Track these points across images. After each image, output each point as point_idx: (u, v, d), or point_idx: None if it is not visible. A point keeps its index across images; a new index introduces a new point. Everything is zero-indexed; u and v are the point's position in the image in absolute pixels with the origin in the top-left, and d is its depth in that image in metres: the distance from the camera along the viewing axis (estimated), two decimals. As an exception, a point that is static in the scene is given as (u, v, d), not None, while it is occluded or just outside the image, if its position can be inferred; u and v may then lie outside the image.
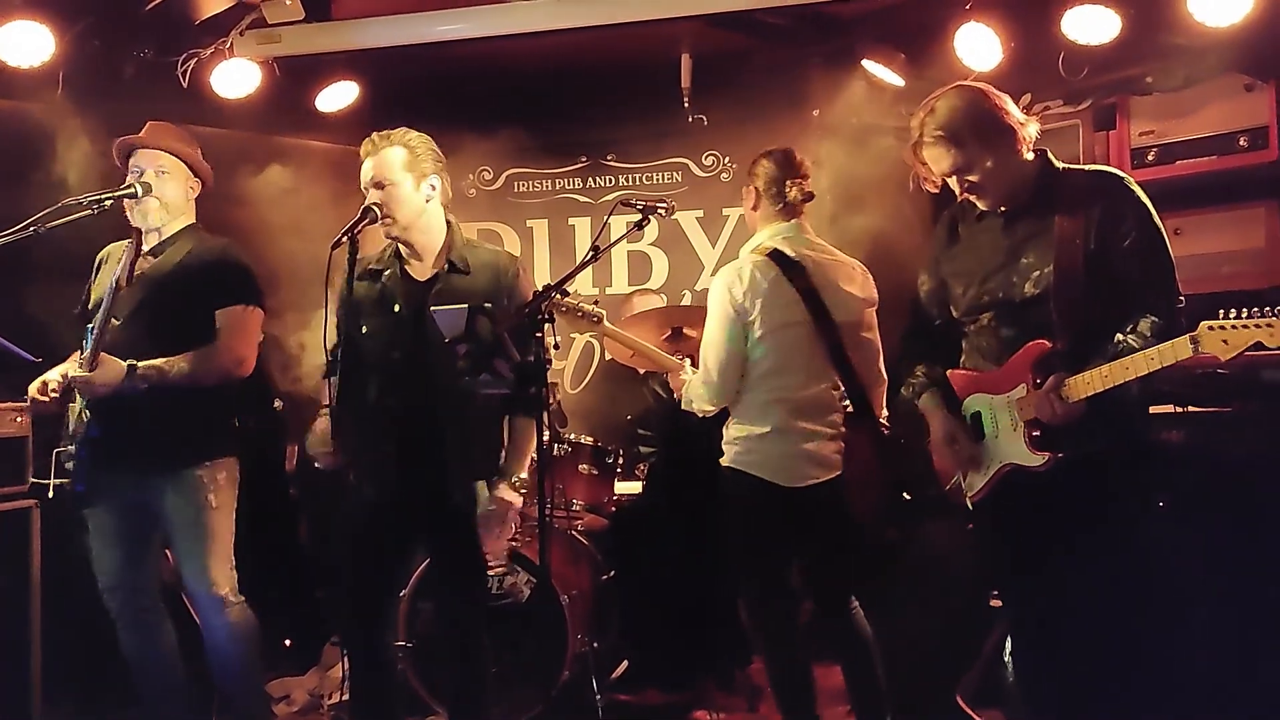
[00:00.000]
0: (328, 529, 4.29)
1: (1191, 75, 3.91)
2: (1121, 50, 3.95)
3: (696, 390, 3.28)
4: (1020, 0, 4.02)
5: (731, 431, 3.26)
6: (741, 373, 3.21)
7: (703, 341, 3.27)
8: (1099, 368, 2.40)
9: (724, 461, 3.27)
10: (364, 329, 3.10)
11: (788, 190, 3.28)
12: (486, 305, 2.89)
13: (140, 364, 3.16)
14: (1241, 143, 4.13)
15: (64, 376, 3.21)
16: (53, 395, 3.22)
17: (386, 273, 3.16)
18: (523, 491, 3.12)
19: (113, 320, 3.17)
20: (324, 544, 4.37)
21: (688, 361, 3.47)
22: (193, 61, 4.27)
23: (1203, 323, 2.26)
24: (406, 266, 3.16)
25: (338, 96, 4.58)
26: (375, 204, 3.06)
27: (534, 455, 3.06)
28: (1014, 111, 2.64)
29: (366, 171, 3.12)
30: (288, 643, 4.25)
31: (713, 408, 3.27)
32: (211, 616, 3.29)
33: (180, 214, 3.44)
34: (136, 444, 3.22)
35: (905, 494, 3.21)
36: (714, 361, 3.21)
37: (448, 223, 3.22)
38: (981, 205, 2.70)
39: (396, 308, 3.10)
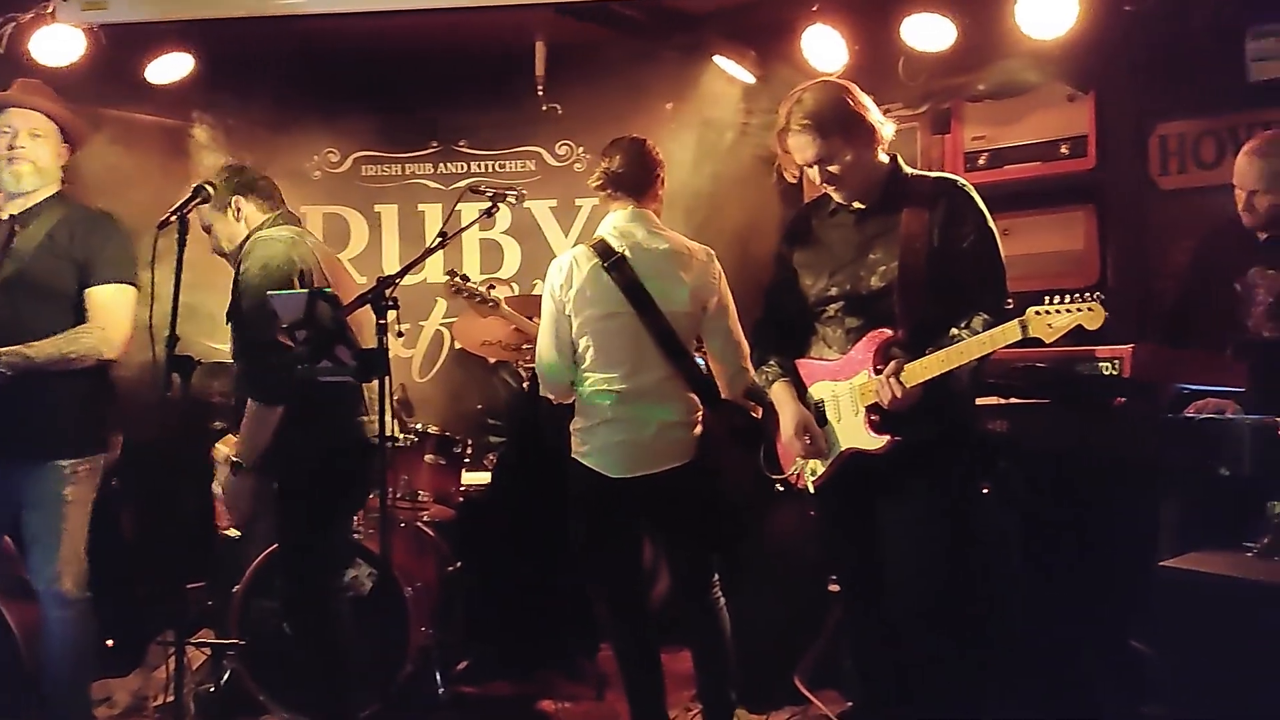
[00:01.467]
0: (153, 521, 4.11)
1: (1020, 84, 4.11)
2: (957, 58, 4.12)
3: (539, 380, 3.33)
4: (864, 5, 4.15)
5: (573, 423, 3.27)
6: (570, 362, 3.22)
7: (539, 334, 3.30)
8: (936, 353, 2.53)
9: (569, 452, 3.29)
10: None
11: (609, 171, 3.26)
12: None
13: (2, 351, 2.99)
14: (1064, 150, 4.39)
15: None
16: None
17: None
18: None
19: None
20: (149, 538, 4.17)
21: None
22: (10, 26, 3.99)
23: (1030, 308, 2.40)
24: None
25: (169, 68, 4.36)
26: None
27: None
28: (874, 111, 2.74)
29: None
30: (110, 643, 4.03)
31: (551, 396, 3.30)
32: (49, 613, 3.16)
33: (52, 180, 3.24)
34: (3, 430, 3.07)
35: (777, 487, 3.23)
36: (543, 351, 3.24)
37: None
38: (837, 197, 2.79)
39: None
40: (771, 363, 2.91)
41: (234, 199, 3.21)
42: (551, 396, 3.31)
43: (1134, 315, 4.02)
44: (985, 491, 3.31)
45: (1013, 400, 3.19)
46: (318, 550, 3.18)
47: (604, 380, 3.18)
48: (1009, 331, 2.42)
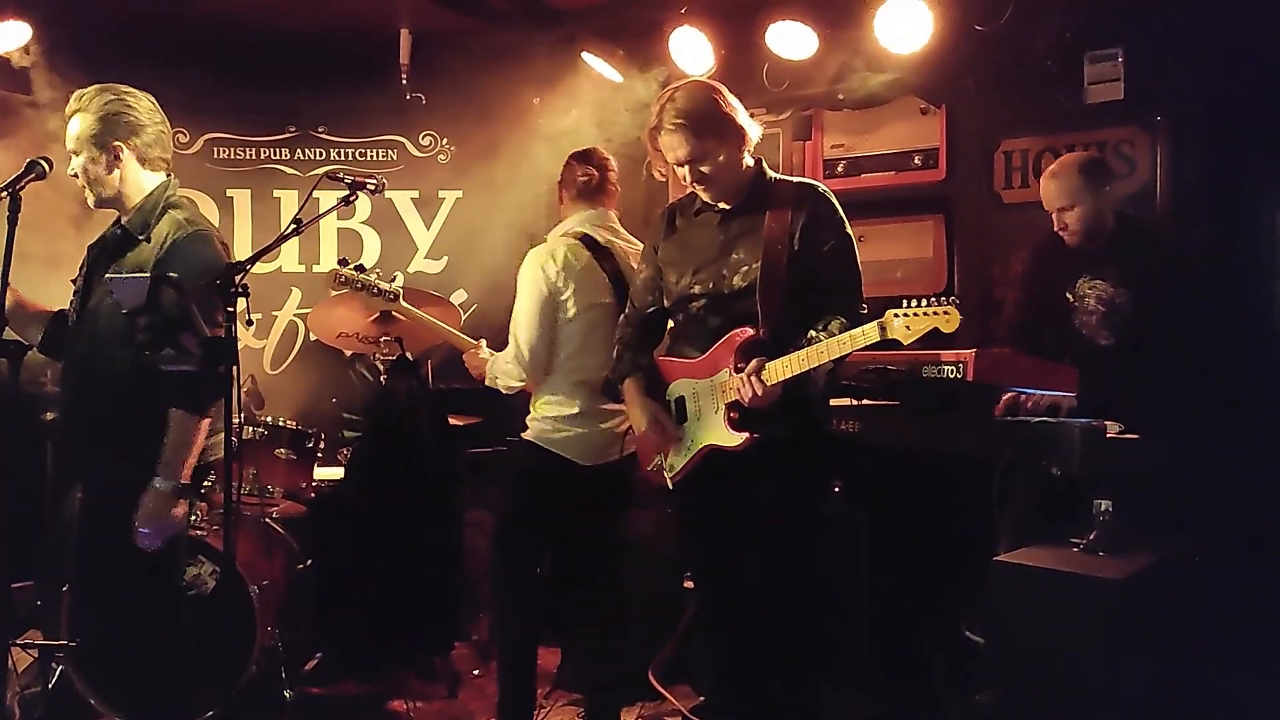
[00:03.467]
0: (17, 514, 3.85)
1: (877, 96, 4.24)
2: (819, 67, 4.23)
3: (504, 368, 3.33)
4: (731, 10, 4.22)
5: (539, 410, 3.31)
6: (550, 351, 3.27)
7: (513, 319, 3.30)
8: (796, 352, 2.58)
9: (527, 436, 3.32)
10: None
11: (586, 179, 3.41)
12: (171, 275, 2.68)
13: None
14: (916, 161, 4.56)
15: None
16: None
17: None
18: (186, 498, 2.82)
19: None
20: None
21: (483, 341, 3.52)
22: None
23: (889, 310, 2.47)
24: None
25: (5, 36, 4.09)
26: (73, 172, 2.86)
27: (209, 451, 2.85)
28: (743, 114, 2.79)
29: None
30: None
31: (520, 384, 3.33)
32: None
33: None
34: None
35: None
36: (524, 339, 3.26)
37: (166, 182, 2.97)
38: (705, 197, 2.82)
39: (74, 279, 2.85)
40: (626, 358, 2.95)
41: (115, 143, 2.86)
42: (517, 386, 3.34)
43: (977, 321, 4.21)
44: (836, 489, 3.42)
45: (864, 402, 3.30)
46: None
47: (582, 370, 3.26)
48: (868, 333, 2.49)
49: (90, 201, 2.92)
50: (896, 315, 2.45)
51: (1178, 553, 3.01)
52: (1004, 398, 3.16)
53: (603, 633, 3.47)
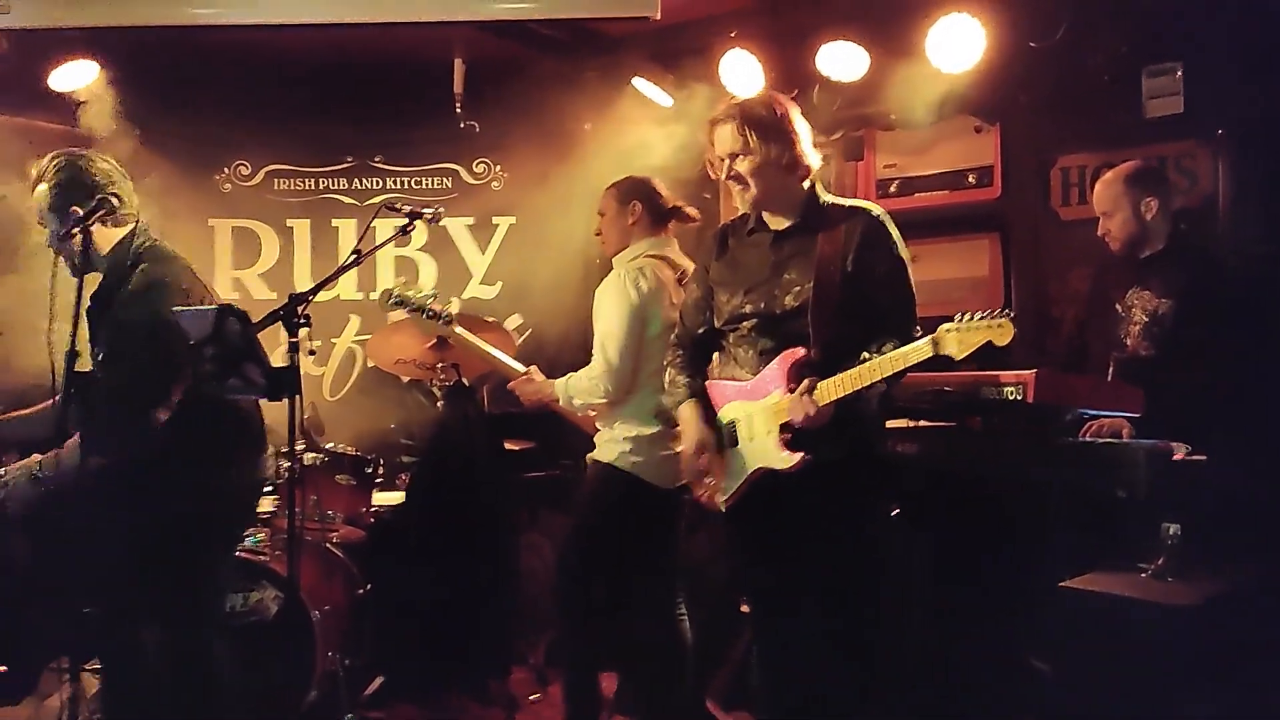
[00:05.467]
0: (50, 543, 3.95)
1: (929, 115, 4.22)
2: (870, 87, 4.22)
3: (587, 384, 3.35)
4: (781, 32, 4.23)
5: (617, 430, 3.34)
6: (637, 367, 3.30)
7: (601, 336, 3.34)
8: (848, 371, 2.56)
9: (604, 458, 3.34)
10: None
11: (666, 209, 3.48)
12: (235, 307, 2.74)
13: None
14: (970, 179, 4.53)
15: None
16: None
17: None
18: None
19: None
20: (44, 560, 4.00)
21: (534, 368, 3.54)
22: (-97, 31, 3.84)
23: (941, 325, 2.45)
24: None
25: (75, 76, 4.23)
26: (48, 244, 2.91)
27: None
28: (805, 139, 2.78)
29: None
30: (1, 669, 3.86)
31: (605, 400, 3.34)
32: None
33: None
34: None
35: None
36: (615, 351, 3.29)
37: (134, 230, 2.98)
38: (738, 201, 2.82)
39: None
40: (681, 382, 2.94)
41: (73, 208, 2.88)
42: (601, 401, 3.35)
43: (1035, 341, 4.15)
44: (895, 513, 3.38)
45: (921, 423, 3.26)
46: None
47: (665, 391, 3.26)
48: (921, 350, 2.47)
49: (70, 272, 2.90)
50: (949, 329, 2.43)
51: (1249, 578, 2.92)
52: (1068, 419, 3.11)
53: (661, 658, 3.45)
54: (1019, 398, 2.94)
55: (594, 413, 3.44)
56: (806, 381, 2.61)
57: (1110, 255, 3.54)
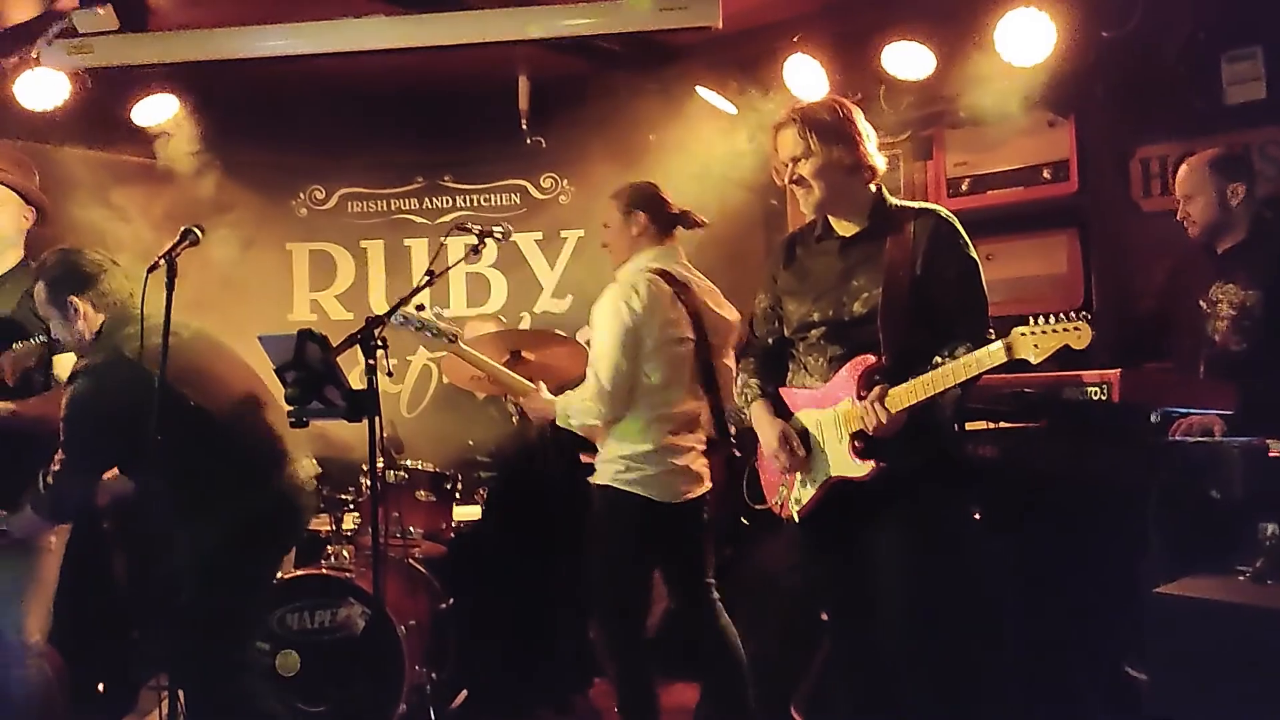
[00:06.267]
0: (146, 566, 4.07)
1: (1000, 110, 4.14)
2: (937, 85, 4.16)
3: (580, 405, 3.29)
4: (845, 35, 4.19)
5: (611, 450, 3.28)
6: (632, 386, 3.24)
7: (593, 356, 3.28)
8: (920, 377, 2.52)
9: (600, 480, 3.30)
10: None
11: (672, 216, 3.39)
12: (316, 332, 2.80)
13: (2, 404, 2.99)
14: (1045, 175, 4.42)
15: None
16: None
17: None
18: None
19: None
20: (141, 581, 4.14)
21: (541, 385, 3.47)
22: (-5, 71, 4.00)
23: (1015, 329, 2.40)
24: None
25: (155, 111, 4.37)
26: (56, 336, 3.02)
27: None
28: (870, 141, 2.76)
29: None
30: (101, 687, 3.99)
31: (599, 422, 3.28)
32: (13, 666, 3.09)
33: (9, 248, 3.19)
34: None
35: (744, 519, 3.27)
36: (607, 374, 3.22)
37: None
38: (802, 205, 2.80)
39: None
40: (753, 384, 2.92)
41: (70, 297, 2.98)
42: (596, 423, 3.29)
43: (1119, 338, 4.04)
44: (976, 517, 3.32)
45: (1002, 425, 3.20)
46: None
47: (660, 406, 3.25)
48: (994, 354, 2.42)
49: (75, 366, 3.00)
50: (1024, 334, 2.38)
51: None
52: (1156, 418, 3.03)
53: (713, 669, 3.41)
54: (1104, 397, 2.87)
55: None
56: (878, 389, 2.58)
57: (1188, 249, 3.44)
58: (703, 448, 3.34)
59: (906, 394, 2.55)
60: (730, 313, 3.44)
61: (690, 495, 3.27)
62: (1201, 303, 3.35)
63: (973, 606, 3.08)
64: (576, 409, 3.31)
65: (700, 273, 3.49)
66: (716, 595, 3.39)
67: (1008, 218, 4.44)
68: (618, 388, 3.21)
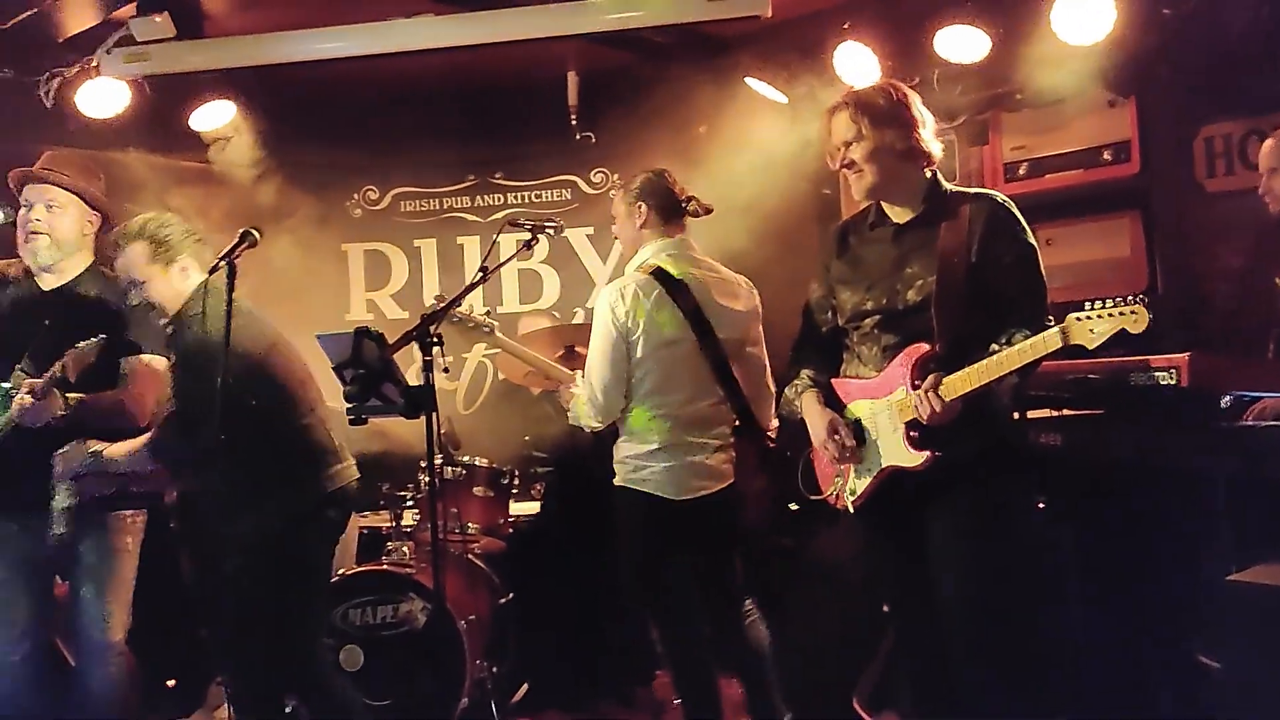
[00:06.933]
0: (211, 563, 4.15)
1: (1058, 92, 4.06)
2: (992, 68, 4.09)
3: (582, 407, 3.31)
4: (896, 20, 4.14)
5: (621, 450, 3.28)
6: (625, 390, 3.22)
7: (587, 360, 3.27)
8: (974, 365, 2.49)
9: (616, 481, 3.29)
10: None
11: (678, 206, 3.33)
12: (373, 329, 2.83)
13: (70, 396, 3.03)
14: (1106, 156, 4.32)
15: None
16: None
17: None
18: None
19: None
20: (208, 579, 4.22)
21: (579, 374, 3.45)
22: (56, 81, 4.09)
23: (1070, 314, 2.35)
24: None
25: (212, 116, 4.44)
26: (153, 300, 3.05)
27: None
28: (921, 119, 2.72)
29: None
30: (171, 683, 4.08)
31: (599, 424, 3.29)
32: (95, 664, 3.17)
33: (76, 251, 3.27)
34: (50, 485, 3.10)
35: (791, 505, 3.25)
36: (598, 380, 3.22)
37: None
38: (854, 190, 2.77)
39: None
40: (804, 375, 2.90)
41: (183, 256, 3.07)
42: (598, 424, 3.29)
43: (1186, 321, 3.95)
44: (1041, 506, 3.26)
45: (1065, 412, 3.14)
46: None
47: (661, 406, 3.21)
48: (1049, 340, 2.38)
49: (164, 324, 3.07)
50: (1079, 318, 2.34)
51: None
52: (1225, 403, 2.95)
53: (742, 674, 3.38)
54: (1172, 382, 2.81)
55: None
56: (931, 377, 2.55)
57: (1266, 228, 3.34)
58: (721, 443, 3.27)
59: (961, 382, 2.51)
60: (745, 304, 3.35)
61: (705, 491, 3.22)
62: (1277, 280, 3.26)
63: (1037, 596, 3.03)
64: (579, 411, 3.33)
65: (739, 266, 3.44)
66: (748, 600, 3.37)
67: (1067, 201, 4.35)
68: (606, 393, 3.21)
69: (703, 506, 3.21)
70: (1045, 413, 3.16)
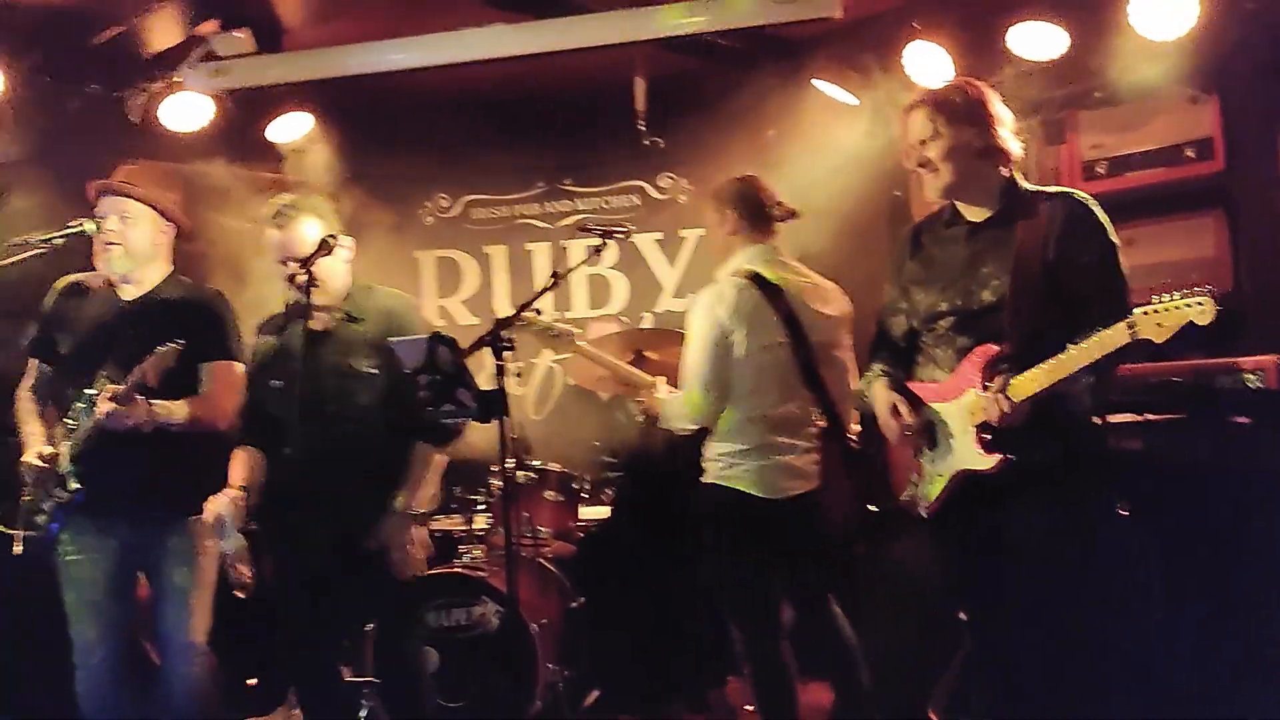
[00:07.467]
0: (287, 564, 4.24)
1: (1138, 89, 3.97)
2: (1069, 65, 4.01)
3: (677, 409, 3.33)
4: (968, 17, 4.08)
5: (713, 449, 3.31)
6: (723, 392, 3.24)
7: (685, 362, 3.30)
8: (1042, 364, 2.45)
9: (707, 479, 3.32)
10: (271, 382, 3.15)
11: (766, 212, 3.36)
12: (446, 335, 2.87)
13: (156, 404, 3.11)
14: (1189, 154, 4.21)
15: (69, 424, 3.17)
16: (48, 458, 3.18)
17: (288, 327, 3.16)
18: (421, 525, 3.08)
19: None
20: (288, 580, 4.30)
21: (661, 380, 3.49)
22: (143, 96, 4.21)
23: (1136, 308, 2.30)
24: (310, 322, 3.10)
25: (290, 127, 4.54)
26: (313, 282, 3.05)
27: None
28: (1000, 118, 2.69)
29: (284, 244, 3.09)
30: (251, 682, 4.17)
31: (694, 426, 3.32)
32: (179, 665, 3.23)
33: (150, 261, 3.35)
34: (135, 490, 3.17)
35: (871, 507, 3.22)
36: (699, 381, 3.25)
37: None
38: (928, 190, 2.74)
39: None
40: (877, 369, 2.88)
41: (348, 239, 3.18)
42: (693, 425, 3.33)
43: (1276, 322, 3.82)
44: (1124, 513, 3.18)
45: (1147, 416, 3.06)
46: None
47: (756, 408, 3.25)
48: (1118, 333, 2.33)
49: (322, 300, 3.10)
50: (1146, 312, 2.29)
51: None
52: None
53: (833, 676, 3.39)
54: (1261, 385, 2.73)
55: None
56: (999, 378, 2.52)
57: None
58: (809, 445, 3.28)
59: (1029, 383, 2.47)
60: (836, 309, 3.38)
61: (794, 492, 3.24)
62: None
63: (1120, 603, 2.96)
64: (673, 413, 3.36)
65: (811, 268, 3.44)
66: (835, 603, 3.36)
67: (1148, 200, 4.24)
68: (707, 395, 3.24)
69: (791, 507, 3.23)
70: (1127, 417, 3.09)
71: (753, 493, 3.23)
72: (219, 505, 3.05)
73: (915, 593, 3.67)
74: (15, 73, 3.91)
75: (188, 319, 3.26)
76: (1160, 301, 2.28)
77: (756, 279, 3.27)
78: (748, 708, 4.23)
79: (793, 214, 3.41)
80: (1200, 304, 2.24)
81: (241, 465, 3.16)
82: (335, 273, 3.15)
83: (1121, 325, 2.32)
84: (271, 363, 3.18)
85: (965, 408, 2.62)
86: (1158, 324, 2.28)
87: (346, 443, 3.07)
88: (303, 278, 3.01)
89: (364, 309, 3.19)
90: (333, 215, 3.20)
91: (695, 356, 3.26)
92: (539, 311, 3.58)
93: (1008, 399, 2.49)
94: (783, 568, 3.33)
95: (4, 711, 3.63)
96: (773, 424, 3.24)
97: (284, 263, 3.09)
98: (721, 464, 3.28)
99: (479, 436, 3.35)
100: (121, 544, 3.21)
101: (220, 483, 3.33)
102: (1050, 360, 2.44)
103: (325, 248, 3.01)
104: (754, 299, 3.24)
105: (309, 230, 3.09)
